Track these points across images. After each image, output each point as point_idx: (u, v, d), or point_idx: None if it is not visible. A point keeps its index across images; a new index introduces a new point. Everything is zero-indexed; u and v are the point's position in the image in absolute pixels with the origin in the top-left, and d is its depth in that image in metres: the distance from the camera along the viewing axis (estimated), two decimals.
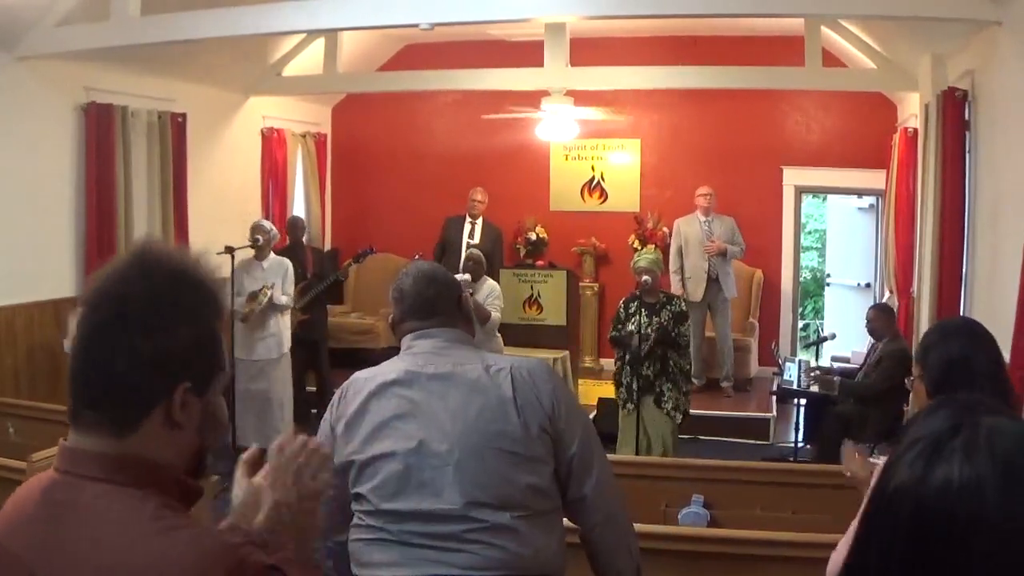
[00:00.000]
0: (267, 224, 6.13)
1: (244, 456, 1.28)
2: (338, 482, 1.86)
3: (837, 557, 1.85)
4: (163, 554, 0.98)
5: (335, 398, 1.96)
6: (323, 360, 6.96)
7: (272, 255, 6.00)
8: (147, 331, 1.04)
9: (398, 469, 1.78)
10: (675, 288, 7.13)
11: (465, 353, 1.90)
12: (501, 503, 1.73)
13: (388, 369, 1.91)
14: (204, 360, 1.09)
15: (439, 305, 1.95)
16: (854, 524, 1.88)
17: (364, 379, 1.92)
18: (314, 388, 6.93)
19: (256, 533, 1.15)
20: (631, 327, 5.07)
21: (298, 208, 8.15)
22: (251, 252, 5.94)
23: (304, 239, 6.95)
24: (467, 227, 7.45)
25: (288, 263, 6.02)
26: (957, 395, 0.93)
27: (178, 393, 1.05)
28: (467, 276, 5.44)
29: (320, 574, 1.31)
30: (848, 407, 5.50)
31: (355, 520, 1.86)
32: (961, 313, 4.77)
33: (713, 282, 7.24)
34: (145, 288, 1.05)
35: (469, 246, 7.15)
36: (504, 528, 1.72)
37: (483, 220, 7.49)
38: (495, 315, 5.42)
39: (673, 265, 7.28)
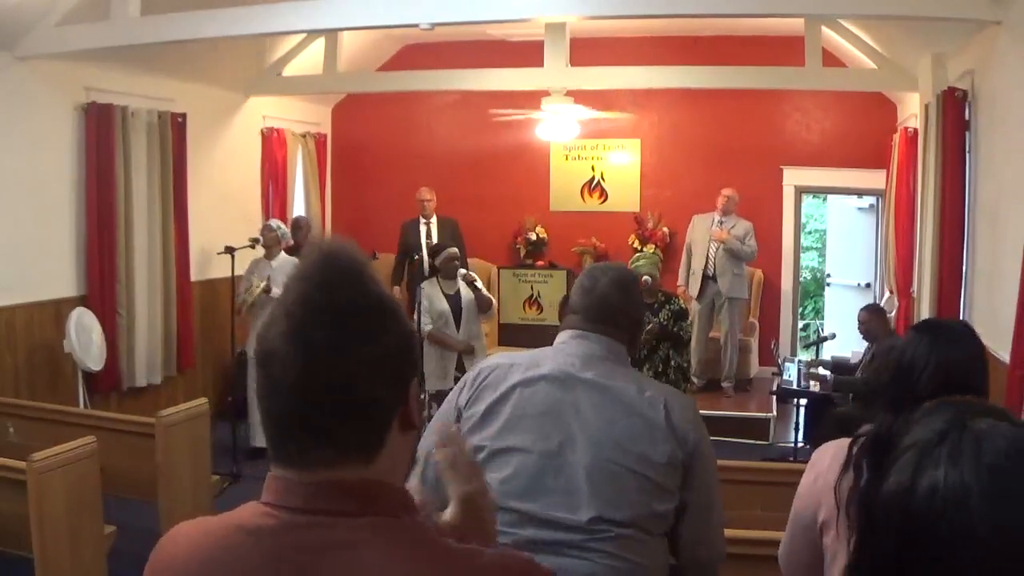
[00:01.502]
0: (274, 223, 6.14)
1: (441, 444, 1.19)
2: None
3: (782, 549, 1.87)
4: None
5: (468, 380, 1.88)
6: None
7: (282, 254, 6.02)
8: (375, 338, 0.93)
9: (533, 467, 1.73)
10: (681, 281, 7.16)
11: (619, 369, 1.86)
12: (626, 523, 1.70)
13: (538, 361, 1.84)
14: (415, 347, 1.01)
15: (618, 317, 1.89)
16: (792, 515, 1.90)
17: (509, 365, 1.85)
18: None
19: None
20: None
21: (298, 208, 8.15)
22: (258, 251, 5.96)
23: (308, 240, 6.96)
24: (423, 228, 7.40)
25: (296, 263, 6.03)
26: (953, 397, 0.91)
27: (412, 392, 0.97)
28: (464, 270, 5.56)
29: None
30: (847, 408, 5.51)
31: None
32: (961, 313, 4.77)
33: (710, 280, 7.24)
34: (355, 296, 0.94)
35: (428, 246, 7.19)
36: (627, 539, 1.69)
37: (437, 218, 7.46)
38: (494, 299, 5.63)
39: (683, 260, 7.34)
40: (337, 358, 0.91)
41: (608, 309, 1.88)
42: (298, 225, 7.05)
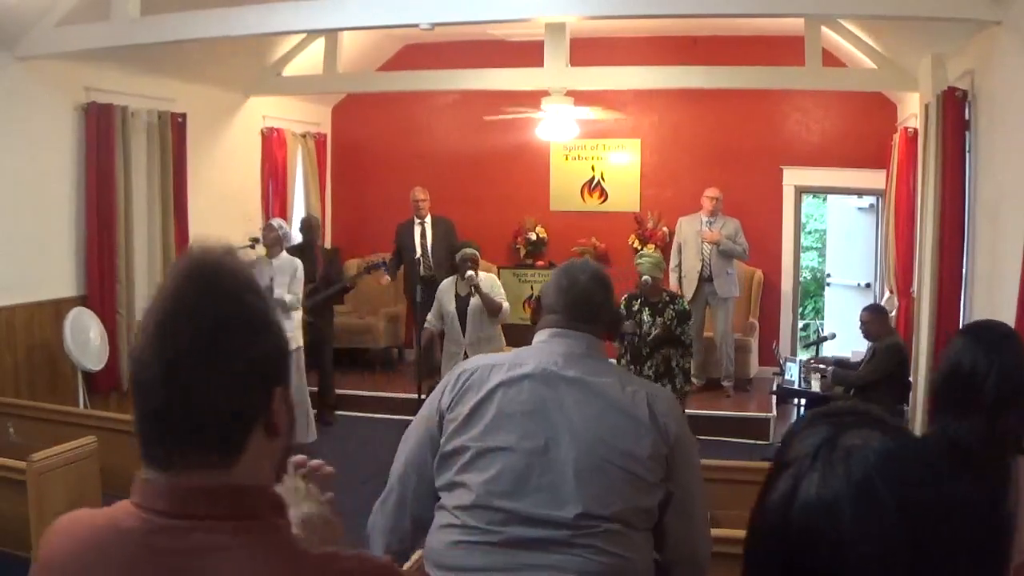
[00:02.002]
0: (276, 222, 6.14)
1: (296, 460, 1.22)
2: (437, 466, 1.82)
3: None
4: None
5: (449, 380, 1.88)
6: (327, 362, 6.98)
7: (284, 253, 6.01)
8: (239, 346, 0.95)
9: (518, 466, 1.73)
10: (673, 286, 7.15)
11: (601, 365, 1.87)
12: (613, 517, 1.71)
13: (520, 360, 1.85)
14: (285, 358, 1.02)
15: (597, 313, 1.91)
16: None
17: (491, 366, 1.86)
18: (315, 388, 6.95)
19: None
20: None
21: (298, 208, 8.15)
22: (260, 250, 5.96)
23: (318, 240, 6.96)
24: (417, 229, 7.39)
25: (298, 263, 6.03)
26: (832, 406, 0.93)
27: (277, 398, 0.99)
28: (471, 273, 5.49)
29: None
30: (846, 403, 5.50)
31: (445, 518, 1.78)
32: (961, 313, 4.77)
33: (706, 281, 7.25)
34: (221, 303, 0.96)
35: (424, 246, 7.18)
36: (613, 534, 1.70)
37: (431, 218, 7.46)
38: (506, 305, 5.56)
39: (672, 262, 7.32)
40: (196, 367, 0.93)
41: (589, 306, 1.90)
42: (309, 225, 7.05)
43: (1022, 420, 1.92)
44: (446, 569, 1.75)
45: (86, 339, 5.37)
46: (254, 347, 0.97)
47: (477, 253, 5.68)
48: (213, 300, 0.96)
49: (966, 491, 0.84)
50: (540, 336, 1.91)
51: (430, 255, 7.33)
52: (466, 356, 5.46)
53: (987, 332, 2.05)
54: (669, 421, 1.80)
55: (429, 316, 5.67)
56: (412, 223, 7.42)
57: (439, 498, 1.83)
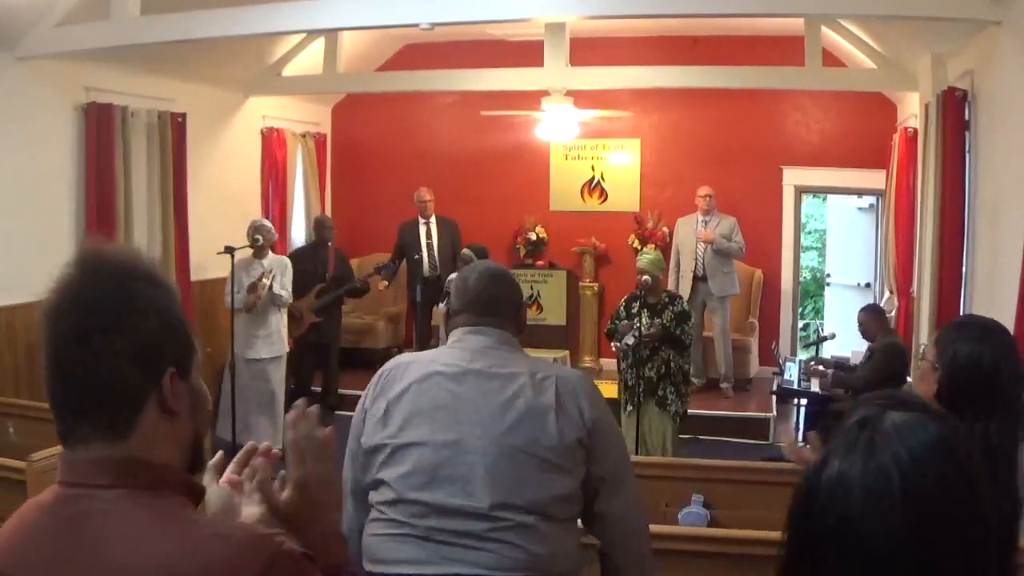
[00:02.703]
0: (267, 223, 6.14)
1: (210, 463, 1.26)
2: (362, 466, 1.87)
3: None
4: (199, 550, 0.98)
5: (373, 381, 1.95)
6: (332, 363, 6.99)
7: (271, 254, 6.00)
8: (117, 330, 1.02)
9: (430, 460, 1.77)
10: (671, 286, 7.16)
11: (512, 356, 1.91)
12: (528, 507, 1.73)
13: (433, 358, 1.91)
14: (179, 343, 1.08)
15: (498, 306, 1.96)
16: None
17: (407, 364, 1.92)
18: (319, 388, 6.95)
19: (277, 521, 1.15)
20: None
21: (298, 208, 8.16)
22: (250, 251, 5.96)
23: (330, 240, 6.97)
24: (422, 228, 7.41)
25: (287, 261, 6.03)
26: (887, 392, 0.98)
27: (166, 380, 1.05)
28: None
29: (347, 545, 1.29)
30: (847, 403, 5.50)
31: (374, 514, 1.84)
32: (961, 313, 4.76)
33: (700, 281, 7.25)
34: (102, 290, 1.04)
35: (430, 247, 7.18)
36: (528, 528, 1.73)
37: (436, 218, 7.46)
38: None
39: (671, 263, 7.32)
40: (79, 346, 1.01)
41: (488, 301, 1.95)
42: (322, 224, 7.06)
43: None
44: (380, 563, 1.79)
45: None
46: (136, 330, 1.03)
47: (473, 254, 5.69)
48: (97, 285, 1.04)
49: (984, 492, 0.87)
50: (453, 336, 1.97)
51: (436, 255, 7.33)
52: None
53: (993, 330, 2.05)
54: (583, 404, 1.82)
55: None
56: (416, 223, 7.42)
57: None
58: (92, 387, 1.02)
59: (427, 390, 1.83)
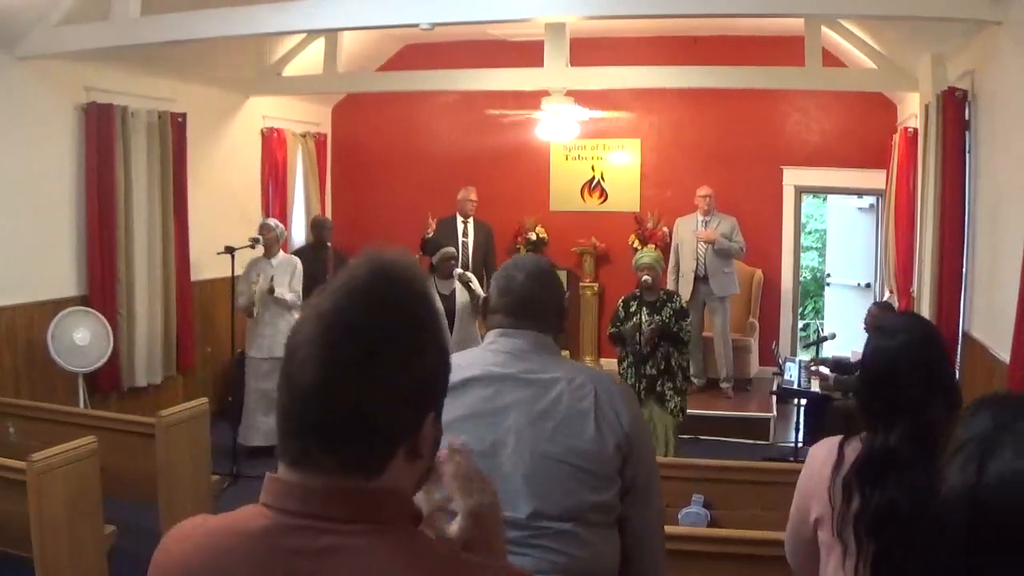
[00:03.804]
0: (272, 221, 6.14)
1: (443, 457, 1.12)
2: None
3: (787, 542, 1.95)
4: None
5: None
6: None
7: (281, 252, 6.00)
8: (404, 364, 0.91)
9: None
10: (670, 286, 7.15)
11: (549, 360, 1.85)
12: (566, 516, 1.70)
13: (467, 363, 1.83)
14: (444, 379, 0.98)
15: (541, 309, 1.89)
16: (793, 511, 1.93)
17: None
18: None
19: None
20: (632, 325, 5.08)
21: (298, 208, 8.16)
22: (257, 251, 5.96)
23: (329, 240, 6.97)
24: (460, 227, 7.46)
25: (297, 261, 6.03)
26: (998, 393, 0.94)
27: (427, 425, 0.95)
28: (460, 271, 5.52)
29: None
30: (847, 403, 5.50)
31: None
32: (961, 313, 4.77)
33: (701, 281, 7.25)
34: (396, 314, 0.92)
35: (465, 245, 7.18)
36: (567, 533, 1.70)
37: (474, 219, 7.51)
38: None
39: (671, 263, 7.32)
40: (359, 377, 0.89)
41: (529, 304, 1.87)
42: (321, 225, 7.05)
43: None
44: None
45: (72, 340, 5.34)
46: (418, 364, 0.93)
47: (456, 253, 5.72)
48: (389, 313, 0.92)
49: None
50: (488, 337, 1.91)
51: (469, 255, 7.37)
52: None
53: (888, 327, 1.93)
54: (621, 410, 1.78)
55: None
56: (455, 219, 7.48)
57: None
58: (356, 422, 0.90)
59: (462, 397, 1.75)
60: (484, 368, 1.81)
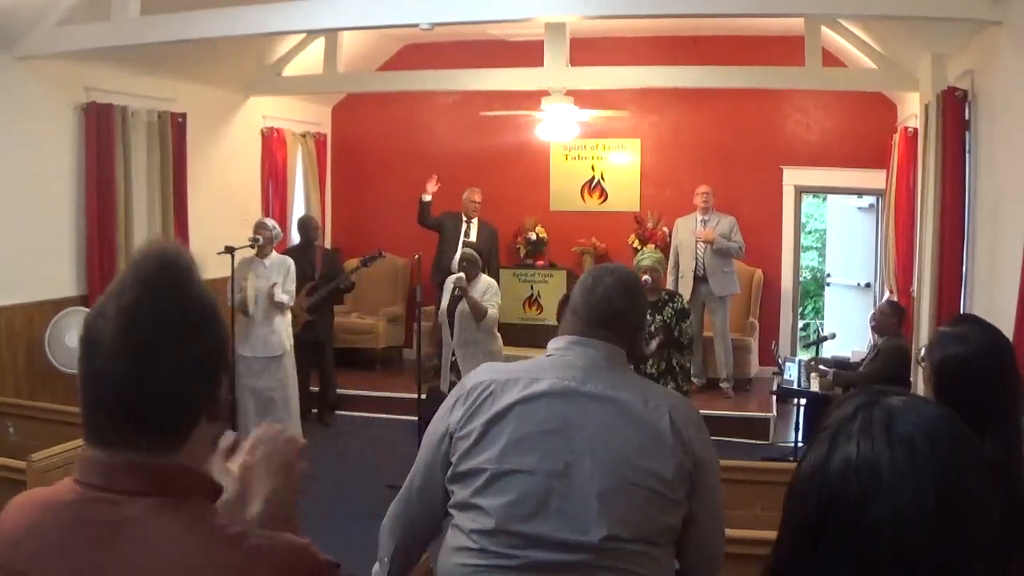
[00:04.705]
0: (269, 222, 6.13)
1: (222, 444, 1.24)
2: (442, 488, 1.77)
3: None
4: (244, 564, 0.98)
5: (461, 393, 1.80)
6: (328, 361, 6.99)
7: (274, 253, 6.00)
8: (193, 338, 1.01)
9: (538, 490, 1.66)
10: (670, 286, 7.14)
11: (623, 378, 1.78)
12: (637, 539, 1.66)
13: (536, 374, 1.76)
14: (227, 344, 1.08)
15: (621, 320, 1.82)
16: None
17: (505, 381, 1.76)
18: (316, 388, 6.96)
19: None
20: None
21: (298, 208, 8.15)
22: (252, 250, 5.95)
23: (316, 240, 6.97)
24: (463, 226, 7.47)
25: (290, 261, 6.02)
26: (872, 387, 0.98)
27: (222, 388, 1.05)
28: (462, 275, 5.46)
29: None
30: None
31: (462, 540, 1.71)
32: (961, 313, 4.77)
33: (701, 281, 7.25)
34: (179, 294, 1.03)
35: (465, 244, 7.17)
36: (636, 554, 1.66)
37: (479, 220, 7.51)
38: (492, 311, 5.43)
39: (671, 263, 7.32)
40: (159, 357, 0.99)
41: (610, 313, 1.80)
42: (307, 225, 7.05)
43: None
44: None
45: (70, 341, 5.34)
46: (206, 339, 1.03)
47: (478, 256, 5.67)
48: (175, 296, 1.02)
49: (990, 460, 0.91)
50: (557, 343, 1.83)
51: None
52: (453, 356, 5.44)
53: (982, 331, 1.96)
54: (694, 437, 1.73)
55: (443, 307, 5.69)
56: (460, 217, 7.47)
57: (449, 513, 1.77)
58: (163, 396, 1.00)
59: (534, 412, 1.70)
60: (559, 382, 1.74)
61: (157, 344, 0.99)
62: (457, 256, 5.68)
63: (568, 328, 1.84)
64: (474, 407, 1.75)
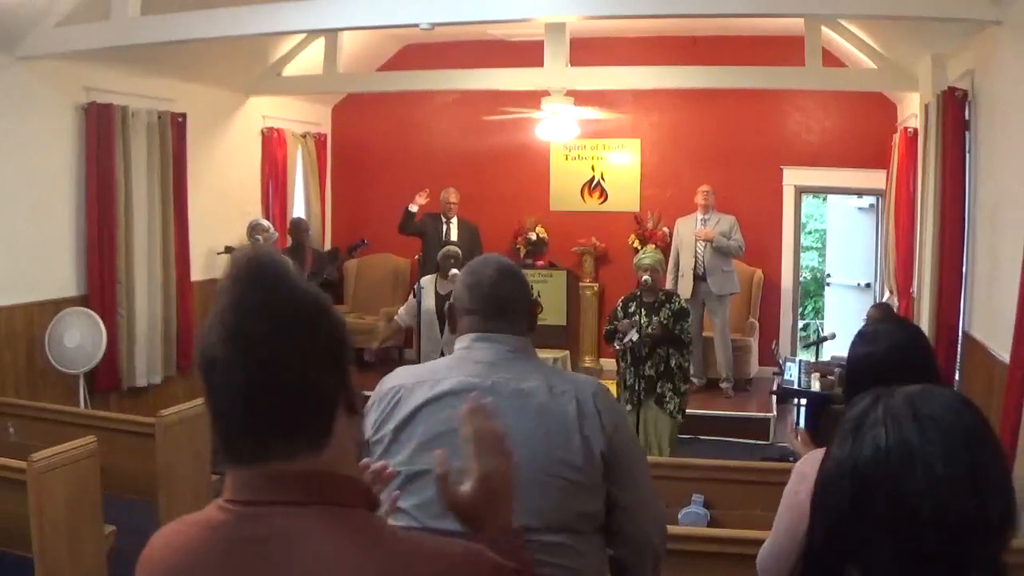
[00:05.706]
0: (266, 223, 6.14)
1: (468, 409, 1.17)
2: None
3: (765, 552, 1.97)
4: (410, 569, 0.94)
5: (377, 397, 1.80)
6: None
7: None
8: (310, 329, 0.97)
9: None
10: (670, 286, 7.15)
11: (528, 368, 1.78)
12: (555, 527, 1.66)
13: (441, 374, 1.77)
14: (347, 333, 1.04)
15: (512, 306, 1.81)
16: (779, 516, 1.92)
17: (413, 383, 1.77)
18: None
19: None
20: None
21: (298, 208, 8.16)
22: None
23: (307, 242, 6.98)
24: (443, 227, 7.45)
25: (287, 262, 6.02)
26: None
27: (352, 377, 1.01)
28: (455, 271, 5.44)
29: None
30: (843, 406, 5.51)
31: None
32: (961, 313, 4.77)
33: (700, 280, 7.25)
34: (284, 290, 0.99)
35: (445, 243, 7.18)
36: (557, 545, 1.66)
37: (458, 219, 7.50)
38: None
39: (671, 263, 7.32)
40: (277, 352, 0.94)
41: (502, 300, 1.80)
42: (299, 227, 7.05)
43: None
44: None
45: (68, 341, 5.33)
46: (322, 327, 0.99)
47: (460, 252, 5.65)
48: (278, 289, 0.98)
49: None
50: (462, 343, 1.83)
51: None
52: (443, 355, 5.40)
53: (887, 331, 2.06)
54: (602, 417, 1.72)
55: (401, 310, 5.66)
56: (439, 218, 7.47)
57: None
58: (293, 393, 0.95)
59: (439, 412, 1.70)
60: (462, 380, 1.74)
61: (274, 339, 0.95)
62: (440, 255, 5.64)
63: (466, 327, 1.83)
64: (385, 412, 1.77)
